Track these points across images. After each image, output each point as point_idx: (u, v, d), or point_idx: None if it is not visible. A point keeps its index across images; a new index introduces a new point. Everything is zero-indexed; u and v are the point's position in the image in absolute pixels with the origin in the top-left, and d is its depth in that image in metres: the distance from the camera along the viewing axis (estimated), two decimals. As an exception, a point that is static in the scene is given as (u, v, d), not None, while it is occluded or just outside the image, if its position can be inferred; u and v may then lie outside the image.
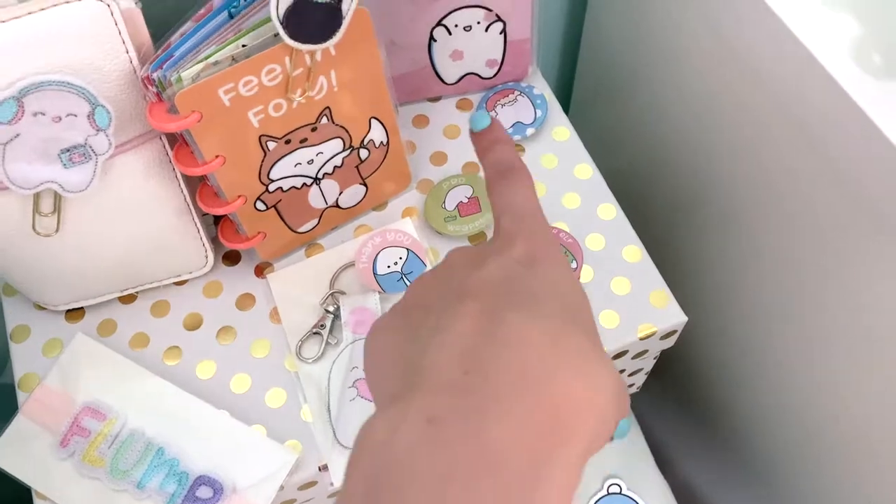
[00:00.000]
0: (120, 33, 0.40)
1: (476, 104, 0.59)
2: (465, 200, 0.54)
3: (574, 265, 0.51)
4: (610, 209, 0.54)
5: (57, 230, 0.45)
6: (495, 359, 0.23)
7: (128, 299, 0.52)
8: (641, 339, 0.50)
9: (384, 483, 0.21)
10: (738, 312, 0.63)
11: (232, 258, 0.53)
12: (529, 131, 0.56)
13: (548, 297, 0.25)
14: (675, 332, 0.51)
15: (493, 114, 0.33)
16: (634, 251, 0.53)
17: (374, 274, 0.51)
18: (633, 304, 0.50)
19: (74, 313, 0.51)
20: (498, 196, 0.30)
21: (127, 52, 0.41)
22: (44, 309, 0.51)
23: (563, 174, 0.55)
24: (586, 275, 0.51)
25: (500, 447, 0.21)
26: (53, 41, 0.39)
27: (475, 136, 0.33)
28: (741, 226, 0.59)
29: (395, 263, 0.52)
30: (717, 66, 0.54)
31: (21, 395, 0.48)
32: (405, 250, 0.52)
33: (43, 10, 0.38)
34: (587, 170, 0.56)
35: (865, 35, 0.44)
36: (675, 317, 0.50)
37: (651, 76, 0.64)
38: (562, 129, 0.57)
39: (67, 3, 0.38)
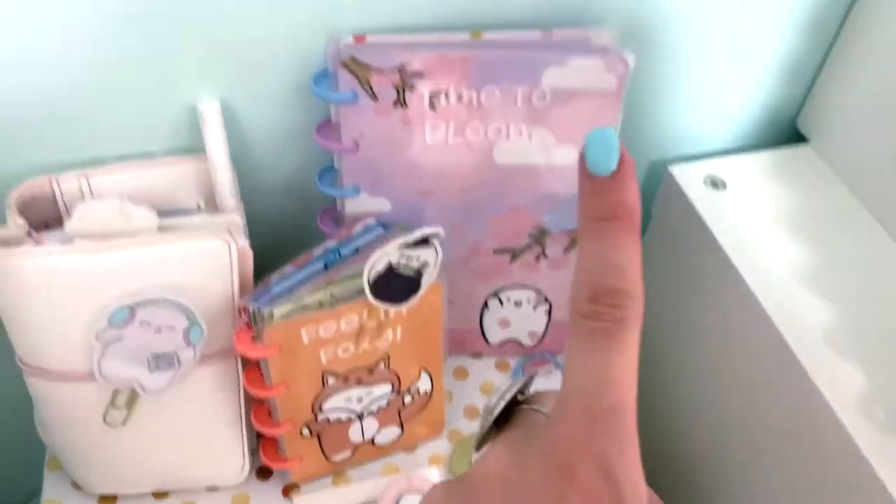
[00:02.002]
0: (231, 267, 0.47)
1: (513, 366, 0.64)
2: (491, 459, 0.57)
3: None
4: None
5: (124, 424, 0.49)
6: None
7: (161, 496, 0.54)
8: None
9: None
10: None
11: (264, 473, 0.56)
12: (559, 404, 0.61)
13: None
14: None
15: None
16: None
17: (395, 516, 0.53)
18: None
19: (108, 499, 0.54)
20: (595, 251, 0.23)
21: (231, 284, 0.47)
22: (80, 490, 0.54)
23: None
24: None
25: None
26: (177, 266, 0.45)
27: (588, 180, 0.23)
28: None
29: (416, 509, 0.54)
30: (726, 371, 0.60)
31: (37, 573, 0.50)
32: (428, 497, 0.55)
33: (178, 241, 0.45)
34: (607, 450, 0.59)
35: (871, 389, 0.49)
36: None
37: (669, 366, 0.70)
38: (588, 406, 0.62)
39: (199, 239, 0.45)
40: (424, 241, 0.46)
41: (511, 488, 0.24)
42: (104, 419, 0.48)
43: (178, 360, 0.47)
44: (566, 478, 0.22)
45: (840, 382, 0.50)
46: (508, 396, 0.27)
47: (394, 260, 0.47)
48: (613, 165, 0.23)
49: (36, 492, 0.55)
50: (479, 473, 0.25)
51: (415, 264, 0.47)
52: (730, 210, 0.60)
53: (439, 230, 0.46)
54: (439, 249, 0.47)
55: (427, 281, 0.48)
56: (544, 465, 0.23)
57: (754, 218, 0.60)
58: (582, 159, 0.23)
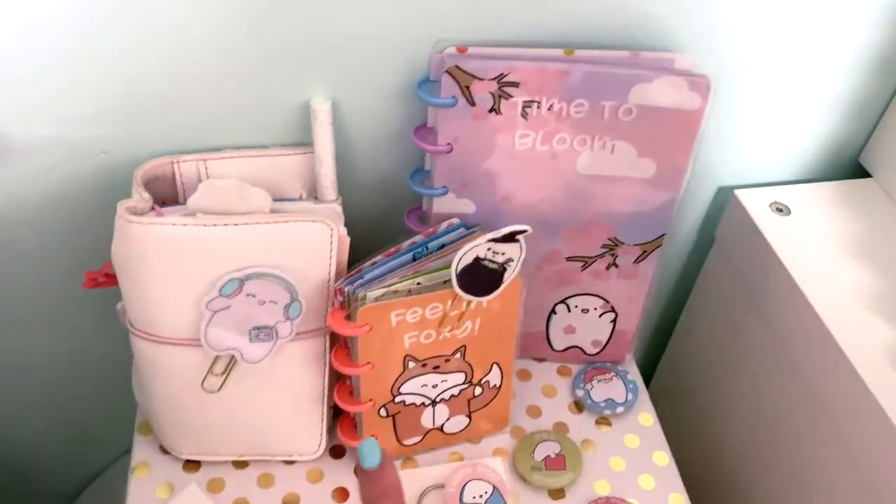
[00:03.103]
0: (331, 251, 0.51)
1: (574, 372, 0.67)
2: (553, 456, 0.60)
3: (641, 542, 0.55)
4: (679, 499, 0.59)
5: (219, 390, 0.53)
6: None
7: (241, 465, 0.58)
8: None
9: None
10: None
11: (337, 452, 0.60)
12: (619, 409, 0.63)
13: None
14: None
15: (380, 454, 0.44)
16: (696, 544, 0.57)
17: (461, 501, 0.56)
18: None
19: (192, 465, 0.57)
20: None
21: (330, 266, 0.51)
22: (167, 454, 0.57)
23: (643, 456, 0.61)
24: (650, 554, 0.55)
25: None
26: (284, 244, 0.49)
27: (363, 473, 0.39)
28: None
29: (481, 496, 0.57)
30: (786, 393, 0.62)
31: (127, 526, 0.53)
32: (491, 487, 0.57)
33: (287, 222, 0.49)
34: (664, 457, 0.62)
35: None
36: None
37: (726, 385, 0.72)
38: (646, 415, 0.64)
39: (306, 222, 0.49)
40: (511, 238, 0.50)
41: None
42: (202, 385, 0.52)
43: (277, 333, 0.51)
44: None
45: (900, 400, 0.52)
46: None
47: (481, 253, 0.50)
48: (378, 461, 0.38)
49: (118, 458, 0.59)
50: None
51: (500, 259, 0.51)
52: (794, 234, 0.63)
53: (527, 228, 0.49)
54: (524, 246, 0.50)
55: (509, 276, 0.52)
56: None
57: (819, 243, 0.62)
58: (357, 464, 0.38)
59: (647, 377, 0.87)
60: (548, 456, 0.60)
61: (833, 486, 0.59)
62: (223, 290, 0.49)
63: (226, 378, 0.53)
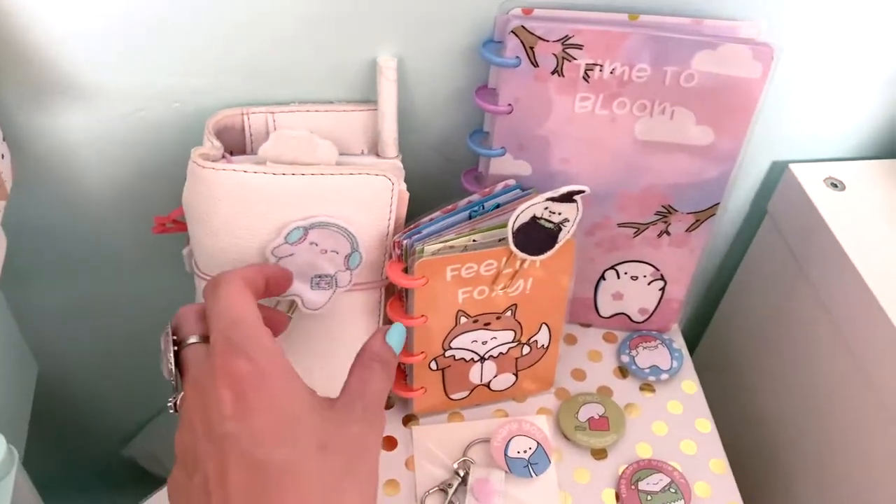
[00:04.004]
0: (391, 205, 0.52)
1: (620, 339, 0.68)
2: (597, 417, 0.61)
3: (682, 503, 0.56)
4: (720, 465, 0.60)
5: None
6: None
7: (295, 409, 0.60)
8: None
9: None
10: None
11: (387, 402, 0.62)
12: (664, 376, 0.64)
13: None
14: None
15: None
16: (735, 510, 0.58)
17: (505, 454, 0.58)
18: (727, 556, 0.55)
19: (249, 406, 0.60)
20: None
21: (389, 219, 0.53)
22: (226, 395, 0.60)
23: (686, 423, 0.62)
24: (689, 516, 0.57)
25: None
26: (347, 196, 0.51)
27: (380, 346, 0.44)
28: (834, 521, 0.63)
29: (525, 452, 0.58)
30: (834, 368, 0.62)
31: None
32: (535, 443, 0.59)
33: (351, 174, 0.51)
34: (706, 424, 0.62)
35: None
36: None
37: (770, 363, 0.72)
38: (690, 383, 0.65)
39: (369, 175, 0.51)
40: (569, 198, 0.51)
41: (200, 402, 0.37)
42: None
43: (336, 282, 0.53)
44: (224, 373, 0.36)
45: (950, 375, 0.52)
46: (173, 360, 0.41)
47: (538, 212, 0.51)
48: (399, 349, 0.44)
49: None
50: (183, 406, 0.39)
51: (556, 219, 0.52)
52: (848, 210, 0.63)
53: (586, 188, 0.50)
54: (581, 207, 0.51)
55: (564, 236, 0.53)
56: (212, 377, 0.37)
57: (872, 219, 0.62)
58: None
59: (692, 347, 0.87)
60: (591, 417, 0.61)
61: (876, 460, 0.59)
62: (288, 238, 0.51)
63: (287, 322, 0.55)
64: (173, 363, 0.40)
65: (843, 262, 0.59)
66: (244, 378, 0.36)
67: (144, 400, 0.82)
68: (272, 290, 0.46)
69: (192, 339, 0.41)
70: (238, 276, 0.42)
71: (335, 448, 0.37)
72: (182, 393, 0.40)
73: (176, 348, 0.41)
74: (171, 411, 0.41)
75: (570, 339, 0.68)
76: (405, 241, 0.53)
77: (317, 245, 0.52)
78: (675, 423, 0.62)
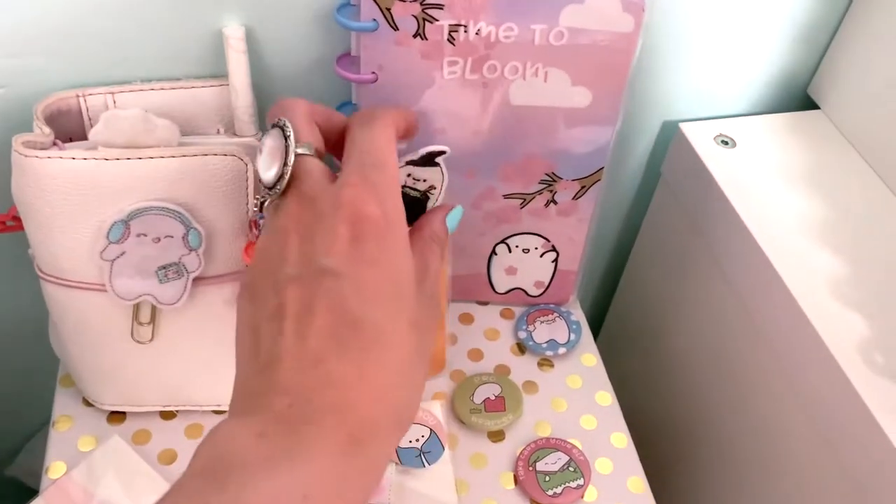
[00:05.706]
0: (248, 188, 0.48)
1: (517, 315, 0.65)
2: (493, 398, 0.58)
3: (581, 482, 0.54)
4: (622, 438, 0.58)
5: (152, 339, 0.50)
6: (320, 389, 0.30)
7: (168, 416, 0.55)
8: (631, 568, 0.51)
9: (218, 469, 0.28)
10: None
11: (270, 400, 0.58)
12: (561, 350, 0.62)
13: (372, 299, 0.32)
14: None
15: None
16: (638, 483, 0.56)
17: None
18: (629, 532, 0.53)
19: (117, 416, 0.55)
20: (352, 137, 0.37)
21: (247, 204, 0.49)
22: (91, 406, 0.55)
23: (585, 397, 0.60)
24: (591, 494, 0.54)
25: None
26: (195, 180, 0.46)
27: (439, 226, 0.40)
28: (741, 480, 0.62)
29: (417, 440, 0.55)
30: (734, 331, 0.61)
31: (45, 481, 0.51)
32: (428, 430, 0.56)
33: (195, 156, 0.46)
34: (607, 397, 0.60)
35: (872, 336, 0.50)
36: (667, 555, 0.52)
37: (674, 327, 0.71)
38: (589, 356, 0.63)
39: (216, 155, 0.46)
40: (431, 162, 0.47)
41: (306, 223, 0.33)
42: (132, 337, 0.50)
43: (185, 268, 0.48)
44: (351, 210, 0.33)
45: (842, 330, 0.51)
46: (291, 160, 0.35)
47: (401, 179, 0.48)
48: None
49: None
50: (280, 217, 0.35)
51: (421, 186, 0.48)
52: (738, 166, 0.61)
53: (446, 148, 0.46)
54: (445, 171, 0.48)
55: (432, 204, 0.49)
56: (334, 207, 0.33)
57: (762, 174, 0.61)
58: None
59: (601, 319, 0.86)
60: (487, 398, 0.58)
61: (779, 425, 0.58)
62: (110, 237, 0.46)
63: (154, 327, 0.50)
64: (291, 163, 0.35)
65: (734, 221, 0.58)
66: (371, 223, 0.33)
67: (23, 417, 0.76)
68: (406, 136, 0.43)
69: (304, 150, 0.36)
70: (392, 120, 0.38)
71: (419, 327, 0.34)
72: (278, 200, 0.36)
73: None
74: (256, 210, 0.38)
75: (467, 319, 0.65)
76: (262, 221, 0.48)
77: (146, 235, 0.47)
78: (574, 398, 0.60)
